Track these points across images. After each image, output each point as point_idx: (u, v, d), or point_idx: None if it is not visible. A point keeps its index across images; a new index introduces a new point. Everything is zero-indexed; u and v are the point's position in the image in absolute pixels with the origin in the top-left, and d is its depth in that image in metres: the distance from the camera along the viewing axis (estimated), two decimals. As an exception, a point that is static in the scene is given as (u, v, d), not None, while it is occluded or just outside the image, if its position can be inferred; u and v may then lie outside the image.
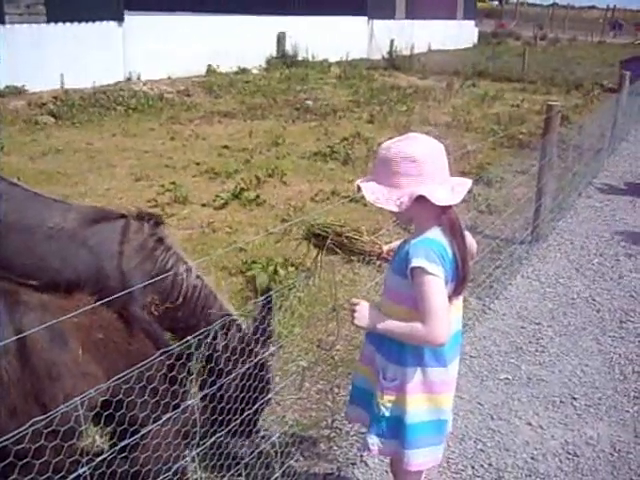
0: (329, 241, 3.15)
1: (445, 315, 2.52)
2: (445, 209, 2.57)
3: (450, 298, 2.62)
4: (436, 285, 2.50)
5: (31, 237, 3.58)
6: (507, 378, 4.69)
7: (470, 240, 2.82)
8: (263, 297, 3.33)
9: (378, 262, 3.42)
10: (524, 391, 4.54)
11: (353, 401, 3.06)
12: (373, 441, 2.85)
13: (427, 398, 2.74)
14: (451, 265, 2.57)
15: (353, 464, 3.74)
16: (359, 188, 2.63)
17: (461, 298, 2.79)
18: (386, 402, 2.76)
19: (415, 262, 2.49)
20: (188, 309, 3.42)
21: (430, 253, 2.51)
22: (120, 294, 2.56)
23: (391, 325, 2.65)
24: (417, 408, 2.73)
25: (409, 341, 2.64)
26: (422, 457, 2.81)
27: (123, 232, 3.46)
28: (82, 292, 2.61)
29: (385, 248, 3.14)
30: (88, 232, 3.51)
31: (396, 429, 2.78)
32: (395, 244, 3.10)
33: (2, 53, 14.12)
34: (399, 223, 2.84)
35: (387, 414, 2.77)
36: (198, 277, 3.50)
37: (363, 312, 2.70)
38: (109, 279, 3.22)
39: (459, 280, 2.63)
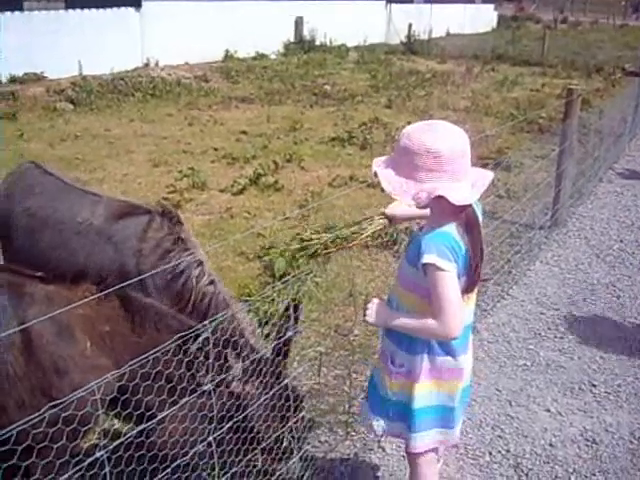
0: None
1: (458, 310, 2.52)
2: (463, 206, 2.52)
3: (462, 293, 2.60)
4: (448, 281, 2.48)
5: (62, 232, 3.61)
6: (526, 364, 4.66)
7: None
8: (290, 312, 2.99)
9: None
10: (543, 377, 4.51)
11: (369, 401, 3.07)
12: (379, 423, 2.90)
13: (435, 384, 2.76)
14: (464, 260, 2.55)
15: (370, 450, 3.75)
16: (376, 174, 2.60)
17: (474, 292, 2.78)
18: (394, 387, 2.80)
19: (427, 258, 2.47)
20: (197, 316, 3.28)
21: (442, 249, 2.48)
22: (123, 284, 2.51)
23: (403, 321, 2.67)
24: (424, 393, 2.76)
25: (421, 336, 2.66)
26: (427, 439, 2.85)
27: (144, 230, 3.45)
28: (88, 283, 2.59)
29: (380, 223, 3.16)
30: (114, 228, 3.52)
31: (402, 413, 2.82)
32: (395, 209, 3.10)
33: (20, 40, 14.16)
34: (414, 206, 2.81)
35: (394, 398, 2.81)
36: (211, 282, 3.42)
37: (374, 309, 2.73)
38: (129, 277, 3.20)
39: (471, 277, 2.61)
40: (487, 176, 2.57)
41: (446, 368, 2.74)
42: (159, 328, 2.61)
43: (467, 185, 2.49)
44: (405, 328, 2.66)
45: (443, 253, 2.47)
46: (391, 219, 3.19)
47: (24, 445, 2.04)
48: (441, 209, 2.52)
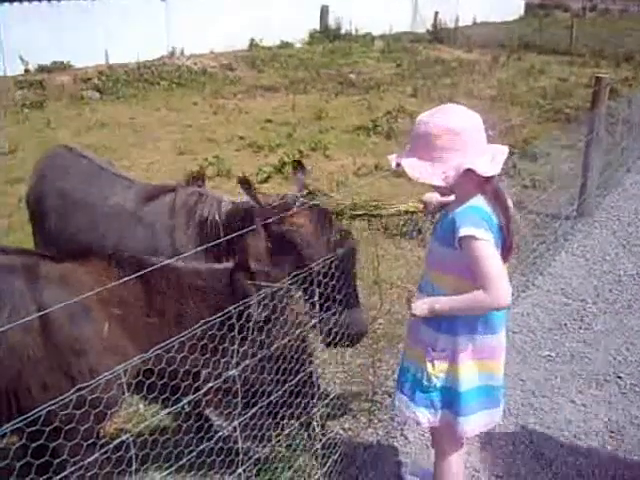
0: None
1: (503, 277, 2.52)
2: (488, 178, 2.57)
3: None
4: (489, 249, 2.50)
5: (94, 215, 3.65)
6: (550, 355, 4.64)
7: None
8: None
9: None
10: (567, 368, 4.49)
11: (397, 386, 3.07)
12: (423, 414, 2.87)
13: (477, 364, 2.76)
14: (497, 232, 2.58)
15: (393, 437, 3.76)
16: (398, 165, 2.63)
17: (505, 267, 2.77)
18: (438, 372, 2.79)
19: (463, 231, 2.50)
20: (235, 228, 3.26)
21: (477, 219, 2.51)
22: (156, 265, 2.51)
23: (452, 302, 2.65)
24: (469, 375, 2.75)
25: (474, 312, 2.65)
26: (475, 422, 2.84)
27: (172, 206, 3.48)
28: (99, 257, 2.57)
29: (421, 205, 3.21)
30: (144, 210, 3.56)
31: (448, 398, 2.81)
32: (432, 197, 3.10)
33: (48, 29, 14.30)
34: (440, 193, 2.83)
35: (438, 384, 2.80)
36: (219, 201, 3.46)
37: (419, 303, 2.73)
38: (165, 256, 3.19)
39: (505, 248, 2.63)
40: (504, 150, 2.63)
41: (488, 347, 2.75)
42: (183, 304, 2.58)
43: (487, 158, 2.54)
44: (454, 309, 2.65)
45: (478, 223, 2.50)
46: (426, 205, 3.20)
47: (51, 427, 2.07)
48: (467, 185, 2.56)
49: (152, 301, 2.50)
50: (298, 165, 3.56)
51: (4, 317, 2.26)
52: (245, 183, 3.17)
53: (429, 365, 2.79)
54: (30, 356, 2.30)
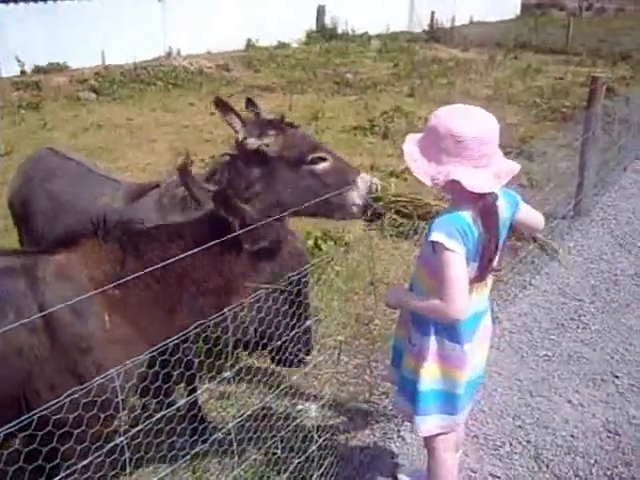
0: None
1: (462, 291, 2.52)
2: (482, 194, 2.52)
3: (472, 281, 2.60)
4: (454, 261, 2.50)
5: (85, 216, 3.62)
6: (547, 355, 4.63)
7: (533, 214, 2.85)
8: None
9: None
10: (564, 368, 4.48)
11: (392, 362, 3.14)
12: (397, 399, 3.01)
13: (440, 369, 2.78)
14: (474, 245, 2.55)
15: (390, 438, 3.75)
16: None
17: (487, 284, 2.78)
18: (408, 366, 2.86)
19: (434, 236, 2.51)
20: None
21: (451, 229, 2.50)
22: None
23: (414, 303, 2.73)
24: (429, 376, 2.78)
25: (431, 316, 2.68)
26: (431, 423, 2.87)
27: (158, 200, 3.47)
28: (86, 236, 2.54)
29: None
30: (132, 209, 3.54)
31: (411, 393, 2.86)
32: None
33: (44, 30, 14.29)
34: (435, 189, 2.81)
35: (409, 377, 2.86)
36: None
37: (393, 291, 2.83)
38: None
39: (482, 267, 2.61)
40: (512, 170, 2.56)
41: (452, 355, 2.75)
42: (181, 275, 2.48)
43: (489, 174, 2.48)
44: (416, 308, 2.72)
45: (451, 233, 2.49)
46: None
47: (44, 431, 2.05)
48: (459, 194, 2.54)
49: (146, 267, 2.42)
50: (249, 101, 3.56)
51: (10, 320, 2.23)
52: (221, 103, 3.12)
53: (405, 355, 2.87)
54: (38, 357, 2.29)
